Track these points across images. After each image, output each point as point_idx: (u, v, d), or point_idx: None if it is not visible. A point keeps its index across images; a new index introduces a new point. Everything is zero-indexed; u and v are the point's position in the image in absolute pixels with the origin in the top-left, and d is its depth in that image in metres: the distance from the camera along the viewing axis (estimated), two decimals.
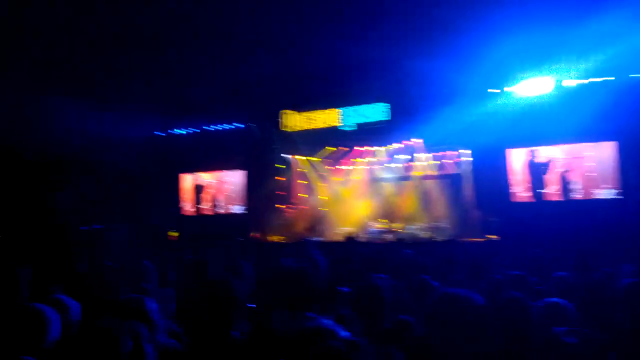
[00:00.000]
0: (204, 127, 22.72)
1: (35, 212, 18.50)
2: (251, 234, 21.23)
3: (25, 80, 16.67)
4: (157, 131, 23.28)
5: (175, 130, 23.31)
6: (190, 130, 22.97)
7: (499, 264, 7.75)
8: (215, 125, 22.48)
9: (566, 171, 17.19)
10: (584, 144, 17.03)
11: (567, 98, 16.10)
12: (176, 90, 19.93)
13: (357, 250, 10.15)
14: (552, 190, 17.36)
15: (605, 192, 16.63)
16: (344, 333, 1.78)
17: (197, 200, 23.33)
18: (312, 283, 3.80)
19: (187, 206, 23.43)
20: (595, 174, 16.80)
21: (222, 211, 22.81)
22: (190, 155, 22.62)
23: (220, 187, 23.03)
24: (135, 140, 21.97)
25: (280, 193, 22.92)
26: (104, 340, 2.27)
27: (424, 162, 23.16)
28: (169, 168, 23.03)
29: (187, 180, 23.69)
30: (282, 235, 21.96)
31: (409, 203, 23.37)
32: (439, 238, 20.07)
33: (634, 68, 15.54)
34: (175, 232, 21.69)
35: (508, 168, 18.06)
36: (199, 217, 23.03)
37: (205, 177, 23.42)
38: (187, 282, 4.92)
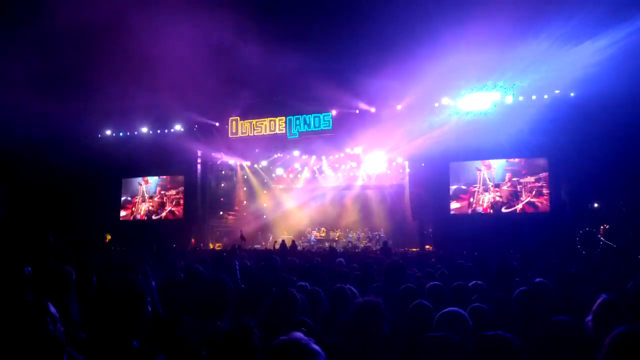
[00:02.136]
0: (147, 131, 22.31)
1: None
2: (192, 241, 21.06)
3: None
4: (99, 134, 22.73)
5: (120, 133, 22.80)
6: (135, 133, 22.50)
7: (426, 273, 7.99)
8: (159, 129, 22.13)
9: (502, 185, 17.84)
10: (519, 159, 17.76)
11: (506, 116, 16.74)
12: (120, 93, 19.61)
13: (289, 258, 10.29)
14: (487, 203, 17.97)
15: (535, 206, 17.38)
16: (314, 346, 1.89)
17: (137, 206, 22.93)
18: (225, 291, 3.93)
19: (127, 211, 23.00)
20: (528, 189, 17.53)
21: (162, 217, 22.48)
22: (132, 159, 22.14)
23: (162, 192, 22.68)
24: (75, 143, 21.46)
25: (223, 200, 22.86)
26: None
27: (366, 172, 23.58)
28: (110, 172, 22.50)
29: (129, 185, 23.29)
30: (220, 242, 21.89)
31: (348, 212, 23.68)
32: (375, 247, 20.40)
33: (564, 88, 16.32)
34: (109, 235, 21.18)
35: (450, 180, 18.61)
36: (138, 222, 22.66)
37: (148, 182, 23.04)
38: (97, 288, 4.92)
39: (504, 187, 17.82)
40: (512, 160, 17.85)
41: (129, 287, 2.73)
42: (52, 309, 2.40)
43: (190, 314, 3.79)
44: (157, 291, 4.79)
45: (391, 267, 6.03)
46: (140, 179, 23.14)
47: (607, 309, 3.44)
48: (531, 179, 17.53)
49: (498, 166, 18.04)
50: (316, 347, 1.84)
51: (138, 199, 22.92)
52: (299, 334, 1.92)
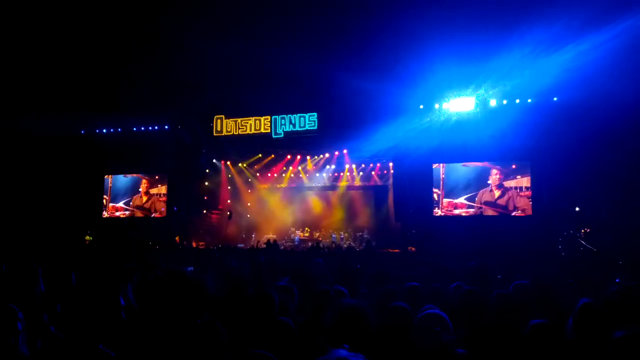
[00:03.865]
0: (131, 129, 22.10)
1: None
2: (177, 239, 20.92)
3: None
4: (82, 130, 22.48)
5: (103, 130, 22.56)
6: (119, 130, 22.28)
7: (406, 274, 7.98)
8: (144, 127, 21.95)
9: (485, 188, 17.94)
10: (503, 162, 17.87)
11: (489, 119, 16.84)
12: (103, 89, 19.43)
13: (272, 258, 10.26)
14: (470, 205, 18.06)
15: (518, 209, 17.51)
16: None
17: (120, 204, 22.71)
18: (201, 292, 3.89)
19: (110, 209, 22.76)
20: (511, 192, 17.65)
21: (145, 215, 22.28)
22: (115, 156, 21.94)
23: (146, 191, 22.49)
24: (57, 140, 21.23)
25: (207, 198, 22.72)
26: None
27: (350, 173, 23.59)
28: (93, 169, 22.28)
29: (112, 182, 23.03)
30: (203, 241, 21.76)
31: (333, 213, 23.67)
32: (359, 248, 20.43)
33: (547, 91, 16.45)
34: (89, 236, 20.95)
35: (433, 183, 18.63)
36: (121, 220, 22.43)
37: (131, 180, 22.83)
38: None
39: (487, 190, 17.90)
40: (495, 163, 17.93)
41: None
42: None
43: (168, 315, 3.74)
44: (133, 291, 4.73)
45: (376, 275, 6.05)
46: (123, 177, 22.89)
47: (587, 312, 3.44)
48: (514, 182, 17.65)
49: (482, 169, 18.12)
50: None
51: (121, 197, 22.68)
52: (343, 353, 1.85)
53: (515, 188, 17.59)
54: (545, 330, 3.21)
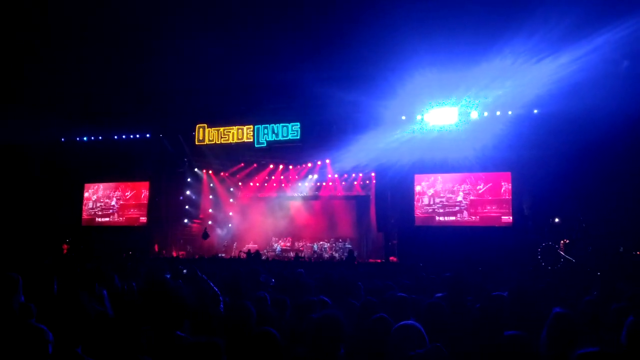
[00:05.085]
0: (111, 137, 21.91)
1: None
2: (156, 247, 20.76)
3: None
4: (62, 138, 22.26)
5: (84, 138, 22.33)
6: (100, 138, 22.09)
7: (387, 285, 7.98)
8: (125, 135, 21.79)
9: (466, 198, 18.04)
10: (484, 173, 18.00)
11: (471, 130, 16.99)
12: (85, 96, 19.30)
13: (253, 268, 10.18)
14: (452, 216, 18.15)
15: (499, 220, 17.64)
16: None
17: (101, 212, 22.45)
18: (176, 303, 3.88)
19: (90, 217, 22.50)
20: (492, 202, 17.78)
21: (125, 223, 22.03)
22: (96, 164, 21.75)
23: (127, 199, 22.28)
24: (38, 147, 21.02)
25: (188, 207, 22.58)
26: None
27: (333, 183, 23.60)
28: (73, 177, 22.04)
29: (92, 190, 22.80)
30: (183, 250, 21.61)
31: (315, 222, 23.63)
32: (341, 257, 20.43)
33: (528, 104, 16.63)
34: (68, 244, 20.70)
35: (415, 193, 18.69)
36: (101, 229, 22.16)
37: (112, 188, 22.60)
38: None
39: (469, 201, 18.01)
40: (477, 174, 18.05)
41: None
42: None
43: (149, 324, 3.72)
44: (108, 299, 4.68)
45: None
46: (104, 185, 22.66)
47: (560, 323, 3.45)
48: (495, 193, 17.78)
49: (462, 179, 18.23)
50: None
51: (101, 205, 22.45)
52: None
53: (496, 199, 17.72)
54: (518, 341, 3.21)
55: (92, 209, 22.57)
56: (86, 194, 22.70)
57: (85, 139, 22.21)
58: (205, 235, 19.55)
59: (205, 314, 4.79)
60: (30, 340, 2.44)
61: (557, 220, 16.81)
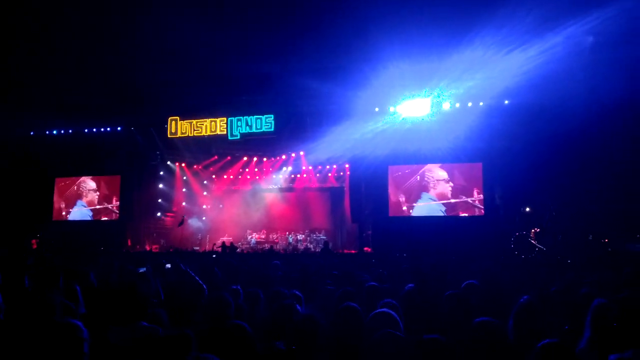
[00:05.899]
0: (81, 130, 21.54)
1: None
2: (129, 242, 20.55)
3: None
4: (31, 132, 21.84)
5: (54, 131, 21.93)
6: (70, 131, 21.71)
7: (362, 275, 8.06)
8: (95, 128, 21.46)
9: (439, 189, 18.24)
10: (456, 164, 18.20)
11: (443, 121, 17.13)
12: (54, 89, 18.93)
13: (228, 261, 10.19)
14: (425, 207, 18.33)
15: (471, 210, 17.88)
16: None
17: (71, 207, 22.13)
18: (141, 296, 3.92)
19: (60, 212, 22.16)
20: (464, 193, 18.00)
21: (96, 218, 21.77)
22: (66, 158, 21.44)
23: (98, 193, 21.97)
24: (6, 141, 20.60)
25: (161, 201, 22.40)
26: None
27: (307, 175, 23.63)
28: (43, 171, 21.66)
29: (62, 184, 22.43)
30: (157, 244, 21.44)
31: (289, 214, 23.66)
32: (316, 249, 20.50)
33: (498, 95, 16.85)
34: (37, 239, 20.36)
35: (388, 184, 18.80)
36: (71, 223, 21.87)
37: (82, 182, 22.25)
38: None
39: (441, 191, 18.21)
40: (449, 164, 18.26)
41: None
42: None
43: (113, 321, 3.73)
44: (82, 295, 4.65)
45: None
46: (75, 179, 22.30)
47: (525, 310, 3.55)
48: (467, 183, 18.01)
49: (435, 170, 18.42)
50: None
51: (72, 199, 22.12)
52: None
53: (468, 189, 17.95)
54: (488, 328, 3.29)
55: (63, 203, 22.22)
56: (57, 189, 22.33)
57: (55, 132, 21.79)
58: (182, 223, 19.44)
59: (188, 305, 4.83)
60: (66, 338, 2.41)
61: (527, 209, 17.10)
